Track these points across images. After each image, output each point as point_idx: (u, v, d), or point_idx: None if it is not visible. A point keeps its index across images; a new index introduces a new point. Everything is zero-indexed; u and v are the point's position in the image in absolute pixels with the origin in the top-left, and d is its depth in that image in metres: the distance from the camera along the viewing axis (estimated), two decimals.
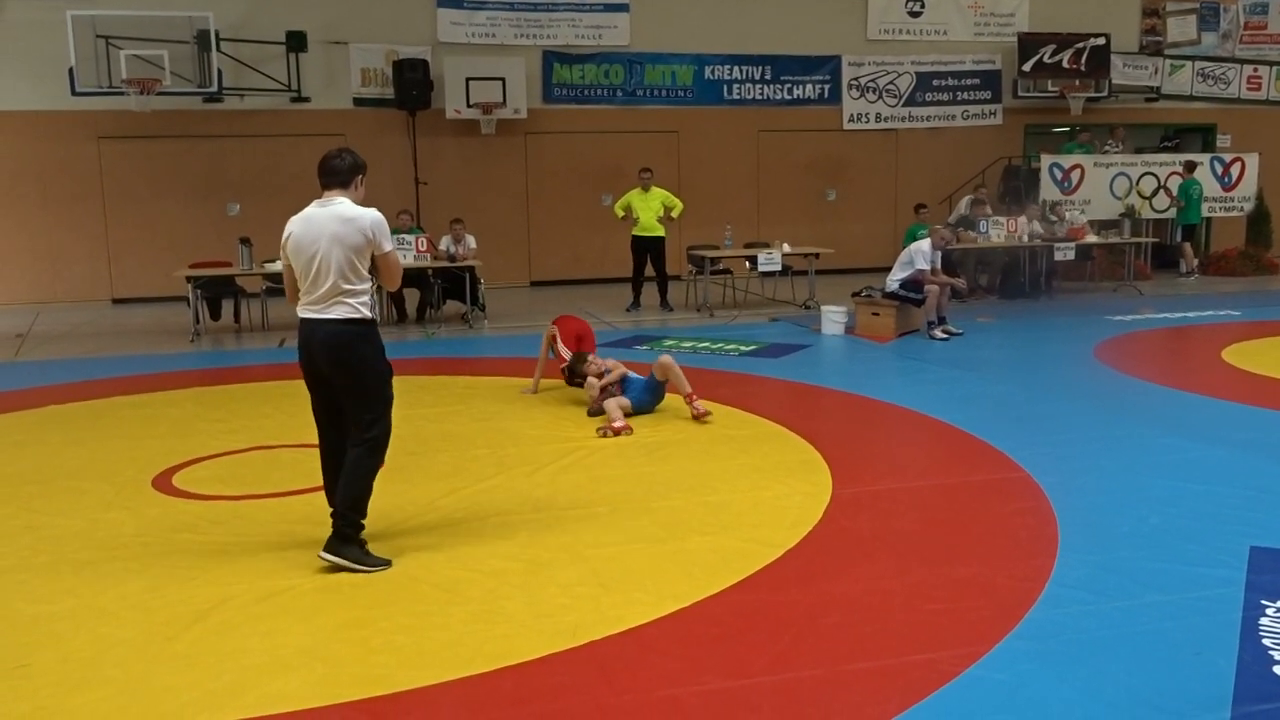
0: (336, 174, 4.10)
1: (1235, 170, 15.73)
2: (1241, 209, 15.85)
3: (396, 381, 4.26)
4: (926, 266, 9.57)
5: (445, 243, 11.61)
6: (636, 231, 12.25)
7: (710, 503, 4.81)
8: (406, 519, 4.69)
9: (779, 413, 6.63)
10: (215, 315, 11.57)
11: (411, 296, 11.92)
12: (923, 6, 16.68)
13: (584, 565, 4.07)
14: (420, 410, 6.94)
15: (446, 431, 6.35)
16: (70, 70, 12.97)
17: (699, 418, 6.44)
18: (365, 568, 4.02)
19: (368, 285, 4.12)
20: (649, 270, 12.31)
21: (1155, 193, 15.40)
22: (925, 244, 9.72)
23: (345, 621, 3.60)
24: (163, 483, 5.37)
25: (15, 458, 5.95)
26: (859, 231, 16.37)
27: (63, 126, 13.96)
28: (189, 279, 10.82)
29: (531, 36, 15.44)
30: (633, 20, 15.70)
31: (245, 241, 10.93)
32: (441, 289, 11.84)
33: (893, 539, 4.30)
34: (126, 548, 4.38)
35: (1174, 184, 15.33)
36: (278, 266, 11.02)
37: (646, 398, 6.74)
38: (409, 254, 11.14)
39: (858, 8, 16.49)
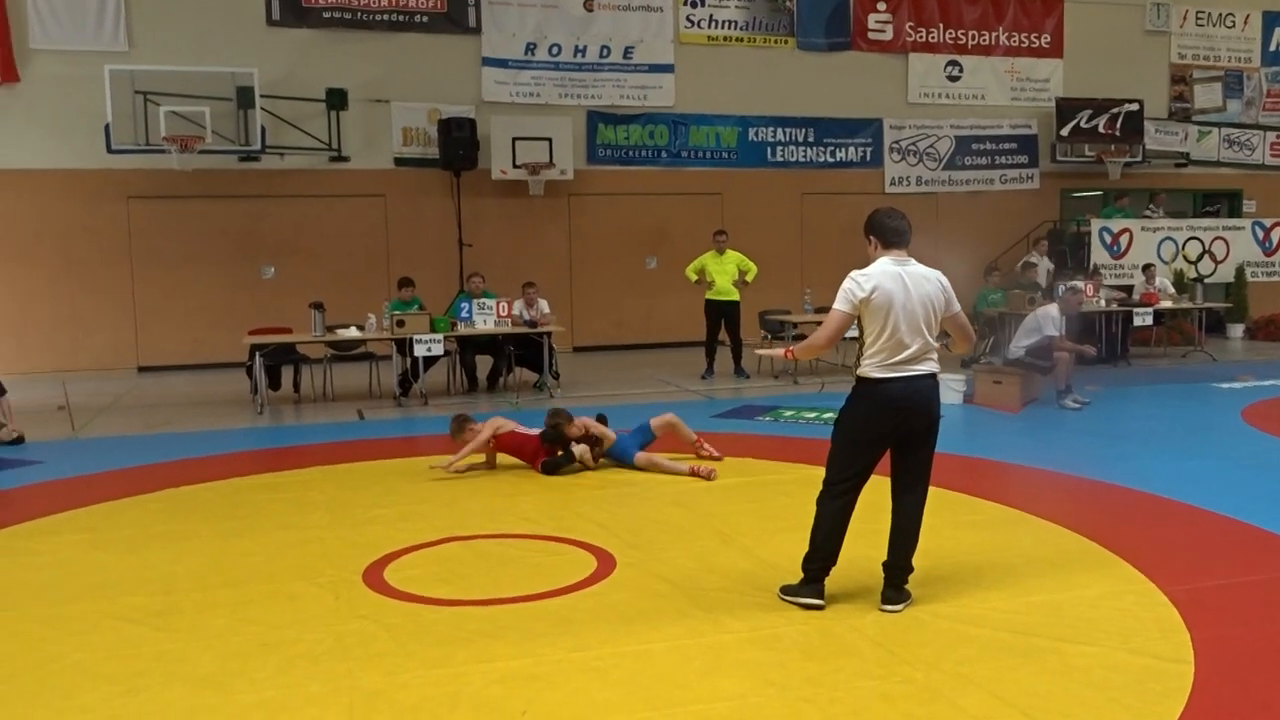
0: (903, 234, 4.19)
1: (1276, 235, 15.79)
2: None
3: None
4: (1056, 333, 9.19)
5: (518, 307, 11.03)
6: (711, 295, 11.78)
7: (1036, 603, 4.26)
8: (706, 636, 4.09)
9: (994, 492, 6.13)
10: (275, 385, 10.81)
11: (483, 364, 11.29)
12: (961, 71, 16.65)
13: (975, 686, 3.49)
14: (600, 491, 6.34)
15: (655, 518, 5.74)
16: (106, 127, 12.30)
17: (700, 473, 6.55)
18: (910, 602, 4.24)
19: None
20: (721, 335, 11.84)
21: (1200, 257, 15.39)
22: (1053, 309, 9.35)
23: None
24: (375, 581, 4.69)
25: (182, 553, 5.20)
26: None
27: (91, 185, 13.20)
28: (255, 347, 10.09)
29: (576, 96, 15.06)
30: (677, 81, 15.41)
31: (318, 306, 10.24)
32: (513, 355, 11.22)
33: None
34: (406, 670, 3.70)
35: (1218, 249, 15.37)
36: (352, 333, 10.42)
37: (632, 449, 6.87)
38: (490, 319, 10.59)
39: (898, 71, 16.39)
